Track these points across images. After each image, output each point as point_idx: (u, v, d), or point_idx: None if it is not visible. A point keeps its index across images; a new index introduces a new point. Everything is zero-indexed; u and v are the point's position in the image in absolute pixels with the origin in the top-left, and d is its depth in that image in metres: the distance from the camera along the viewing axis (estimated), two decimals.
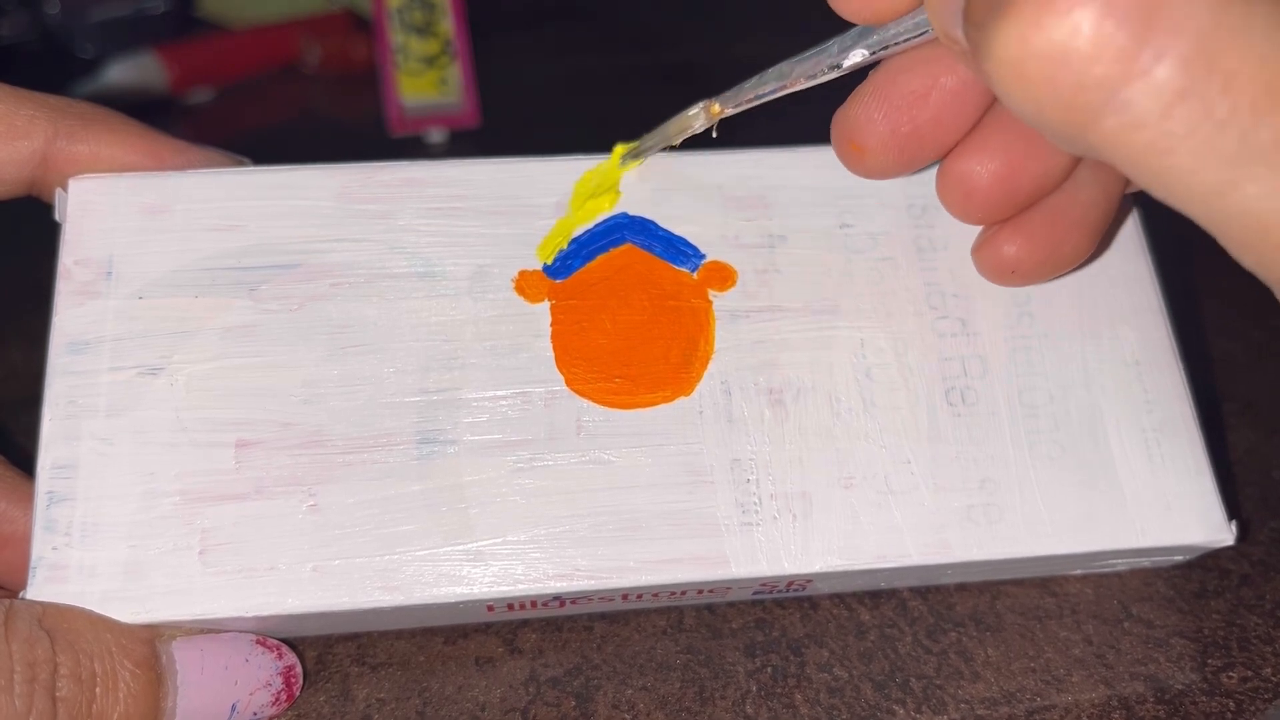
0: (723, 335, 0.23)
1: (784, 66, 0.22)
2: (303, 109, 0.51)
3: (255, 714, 0.21)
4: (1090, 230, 0.22)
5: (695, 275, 0.24)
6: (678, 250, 0.24)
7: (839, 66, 0.21)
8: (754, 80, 0.22)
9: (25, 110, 0.22)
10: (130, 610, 0.20)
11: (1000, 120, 0.21)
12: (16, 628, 0.18)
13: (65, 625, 0.19)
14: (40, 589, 0.20)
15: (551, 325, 0.23)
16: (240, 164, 0.24)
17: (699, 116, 0.23)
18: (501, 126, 0.46)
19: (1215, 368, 0.32)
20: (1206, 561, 0.26)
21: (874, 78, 0.22)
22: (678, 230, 0.24)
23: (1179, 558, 0.25)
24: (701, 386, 0.23)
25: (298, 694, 0.22)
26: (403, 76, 0.45)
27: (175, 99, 0.49)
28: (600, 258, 0.24)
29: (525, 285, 0.23)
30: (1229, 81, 0.13)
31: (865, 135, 0.22)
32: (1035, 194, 0.22)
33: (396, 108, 0.45)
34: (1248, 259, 0.15)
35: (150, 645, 0.20)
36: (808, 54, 0.21)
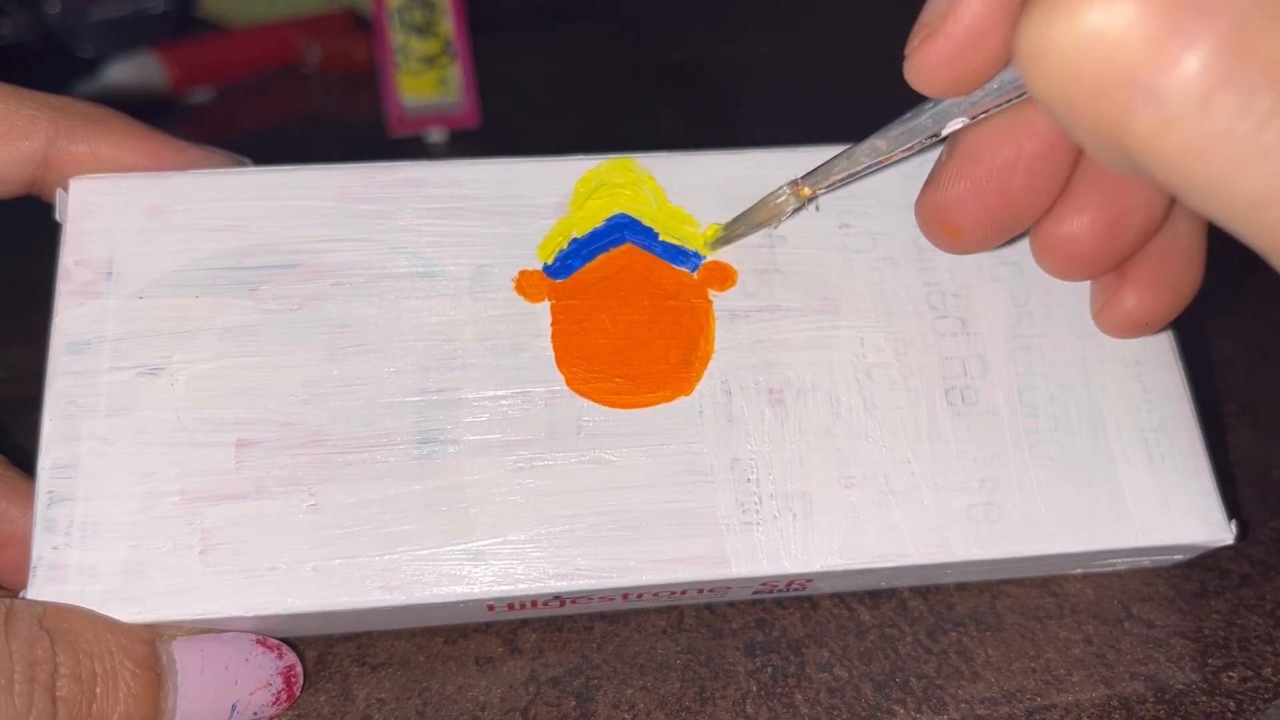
0: (723, 335, 0.23)
1: (877, 142, 0.20)
2: (303, 109, 0.51)
3: (255, 714, 0.21)
4: (1199, 261, 0.21)
5: (695, 275, 0.24)
6: (678, 250, 0.24)
7: (936, 135, 0.20)
8: (843, 159, 0.21)
9: (26, 110, 0.22)
10: (130, 610, 0.20)
11: (1091, 174, 0.21)
12: (16, 627, 0.18)
13: (65, 625, 0.19)
14: (40, 589, 0.20)
15: (552, 325, 0.23)
16: (240, 164, 0.24)
17: (789, 201, 0.23)
18: (501, 126, 0.46)
19: (1215, 368, 0.32)
20: (1206, 561, 0.26)
21: (954, 156, 0.21)
22: (677, 229, 0.24)
23: (1179, 557, 0.25)
24: (702, 386, 0.23)
25: (298, 694, 0.22)
26: (403, 76, 0.45)
27: (175, 99, 0.49)
28: (600, 257, 0.24)
29: (525, 285, 0.23)
30: (1272, 71, 0.12)
31: (959, 218, 0.21)
32: (1139, 242, 0.21)
33: (396, 108, 0.45)
34: None
35: (150, 645, 0.20)
36: (896, 125, 0.20)
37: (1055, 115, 0.14)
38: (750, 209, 0.23)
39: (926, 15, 0.18)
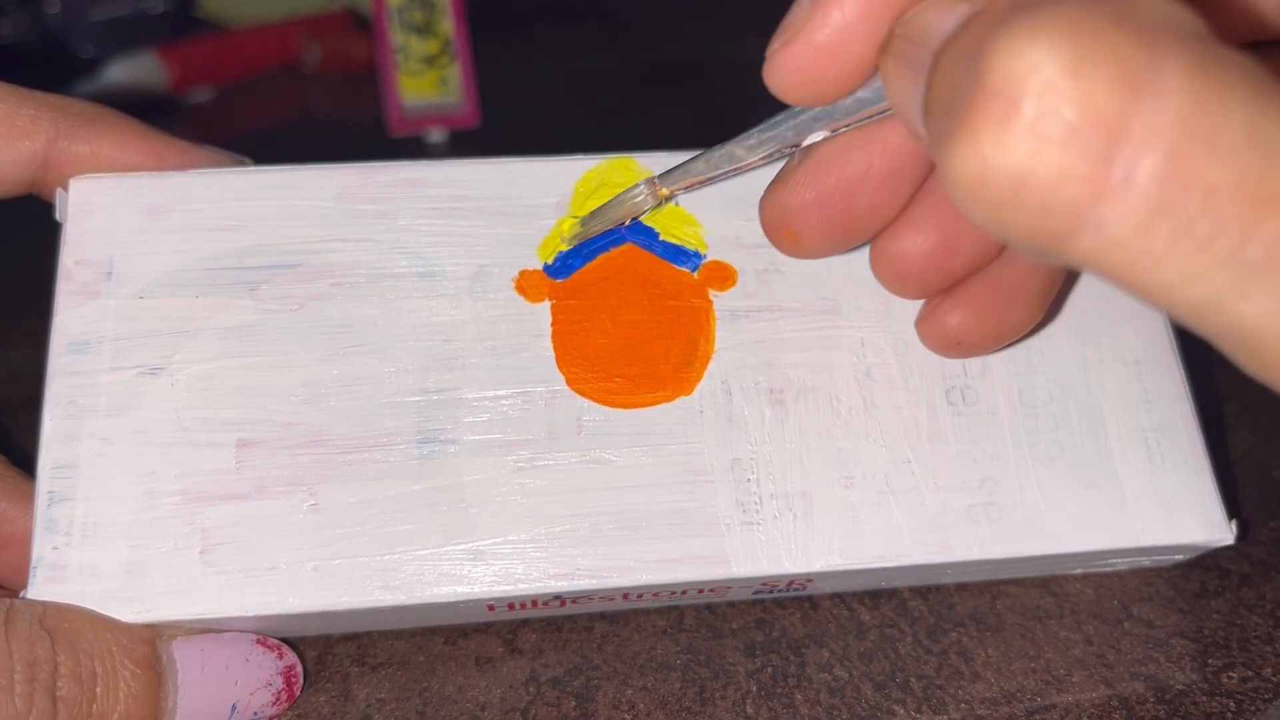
0: (723, 335, 0.23)
1: (735, 149, 0.20)
2: (303, 109, 0.51)
3: (255, 714, 0.21)
4: (1034, 297, 0.22)
5: (696, 275, 0.24)
6: (678, 250, 0.24)
7: (796, 145, 0.20)
8: (701, 163, 0.21)
9: (26, 110, 0.22)
10: (131, 610, 0.20)
11: (932, 195, 0.21)
12: (17, 627, 0.18)
13: (66, 625, 0.19)
14: (41, 589, 0.20)
15: (552, 325, 0.23)
16: (241, 164, 0.24)
17: (646, 200, 0.23)
18: (501, 126, 0.46)
19: (1215, 368, 0.32)
20: (1206, 561, 0.26)
21: (804, 164, 0.21)
22: (677, 230, 0.24)
23: (1179, 557, 0.25)
24: (702, 386, 0.23)
25: (298, 694, 0.22)
26: (403, 76, 0.45)
27: (175, 99, 0.49)
28: (600, 257, 0.24)
29: (525, 285, 0.23)
30: (1208, 197, 0.12)
31: (800, 224, 0.21)
32: (971, 267, 0.21)
33: (396, 108, 0.45)
34: (1249, 368, 0.14)
35: (151, 645, 0.20)
36: (756, 133, 0.20)
37: (986, 229, 0.14)
38: (607, 205, 0.23)
39: (790, 18, 0.18)
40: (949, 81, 0.14)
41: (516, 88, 0.50)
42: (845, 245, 0.22)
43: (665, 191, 0.22)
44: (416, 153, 0.45)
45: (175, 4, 0.53)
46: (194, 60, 0.50)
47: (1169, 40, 0.12)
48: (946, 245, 0.21)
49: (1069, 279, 0.24)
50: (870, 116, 0.19)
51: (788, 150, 0.20)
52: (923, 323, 0.23)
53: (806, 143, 0.20)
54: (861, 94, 0.18)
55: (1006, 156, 0.13)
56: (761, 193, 0.23)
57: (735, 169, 0.21)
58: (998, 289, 0.21)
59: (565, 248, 0.23)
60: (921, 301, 0.23)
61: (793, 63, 0.17)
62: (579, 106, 0.49)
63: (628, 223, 0.23)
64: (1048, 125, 0.12)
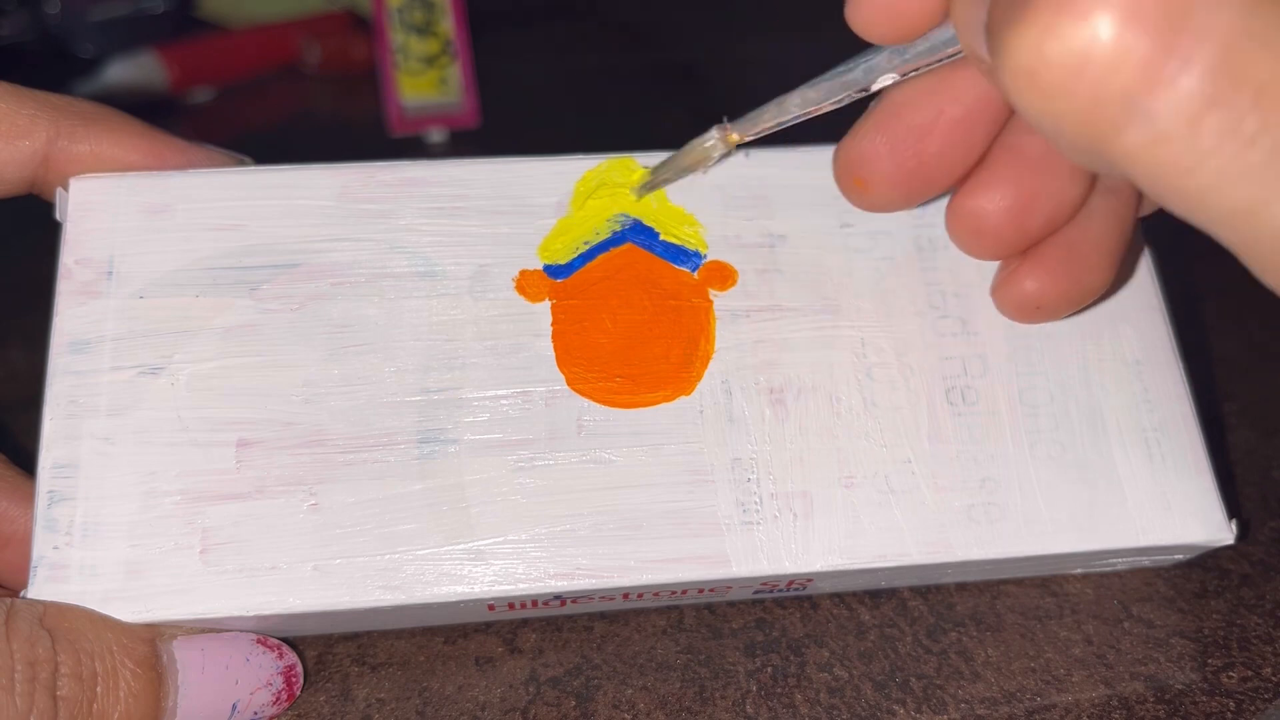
0: (723, 335, 0.23)
1: (807, 92, 0.20)
2: (303, 109, 0.51)
3: (256, 713, 0.21)
4: (1109, 260, 0.22)
5: (696, 275, 0.24)
6: (678, 250, 0.24)
7: (866, 90, 0.20)
8: (773, 106, 0.21)
9: (27, 109, 0.22)
10: (131, 609, 0.20)
11: (1008, 152, 0.21)
12: (17, 627, 0.18)
13: (66, 624, 0.19)
14: (41, 588, 0.20)
15: (552, 325, 0.23)
16: (241, 163, 0.24)
17: (717, 145, 0.22)
18: (501, 126, 0.46)
19: (1215, 368, 0.32)
20: (1206, 561, 0.26)
21: (876, 110, 0.21)
22: (678, 230, 0.24)
23: (1179, 557, 0.25)
24: (702, 386, 0.23)
25: (298, 694, 0.22)
26: (403, 76, 0.45)
27: (175, 99, 0.49)
28: (601, 257, 0.24)
29: (526, 284, 0.23)
30: (1260, 93, 0.12)
31: (870, 171, 0.21)
32: (1047, 228, 0.21)
33: (396, 108, 0.45)
34: (1273, 279, 0.14)
35: (151, 644, 0.20)
36: (829, 76, 0.20)
37: (1037, 124, 0.14)
38: (678, 153, 0.23)
39: None
40: None
41: (516, 88, 0.50)
42: (915, 197, 0.22)
43: (736, 137, 0.22)
44: (416, 153, 0.45)
45: (175, 4, 0.53)
46: (194, 60, 0.50)
47: None
48: (1024, 203, 0.21)
49: (1135, 243, 0.24)
50: (941, 60, 0.19)
51: (859, 94, 0.20)
52: (1000, 289, 0.23)
53: (877, 86, 0.20)
54: (935, 35, 0.18)
55: (1064, 40, 0.13)
56: (763, 191, 0.23)
57: (806, 113, 0.21)
58: (1075, 251, 0.21)
59: (592, 206, 0.23)
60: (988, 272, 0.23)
61: (874, 1, 0.18)
62: (579, 106, 0.49)
63: (703, 171, 0.23)
64: (1107, 11, 0.12)
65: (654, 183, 0.23)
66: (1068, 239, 0.21)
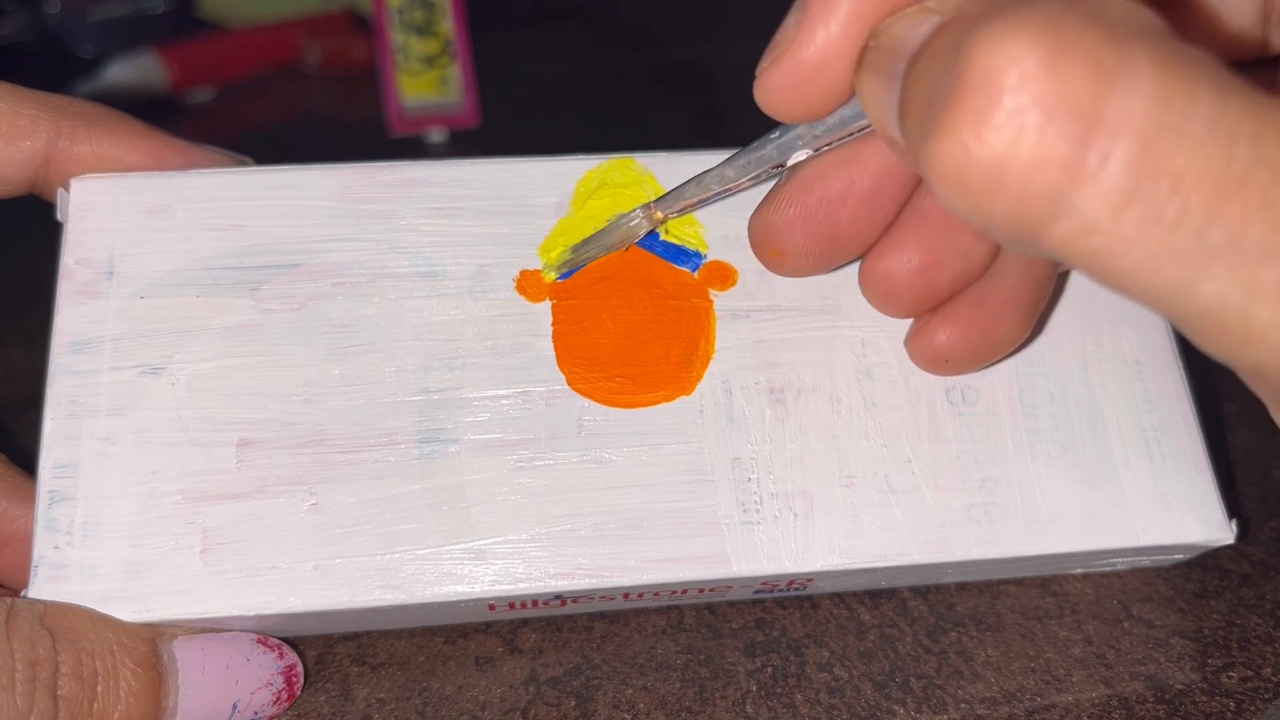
0: (724, 335, 0.23)
1: (724, 170, 0.21)
2: (303, 109, 0.51)
3: (256, 713, 0.21)
4: (1020, 313, 0.22)
5: (696, 275, 0.24)
6: (678, 250, 0.24)
7: (782, 165, 0.20)
8: (693, 185, 0.22)
9: (28, 110, 0.22)
10: (132, 609, 0.20)
11: (916, 215, 0.21)
12: (18, 626, 0.18)
13: (67, 624, 0.19)
14: (42, 588, 0.20)
15: (552, 324, 0.23)
16: (241, 164, 0.24)
17: (641, 224, 0.23)
18: (501, 126, 0.46)
19: (1215, 368, 0.32)
20: (1206, 561, 0.26)
21: (789, 183, 0.21)
22: (678, 230, 0.24)
23: (1179, 557, 0.25)
24: (702, 386, 0.23)
25: (298, 693, 0.22)
26: (403, 76, 0.45)
27: (175, 99, 0.49)
28: (601, 257, 0.24)
29: (526, 285, 0.23)
30: (1176, 181, 0.13)
31: (785, 242, 0.22)
32: (957, 284, 0.22)
33: (396, 108, 0.45)
34: (1212, 350, 0.15)
35: (151, 644, 0.20)
36: (744, 154, 0.21)
37: (965, 219, 0.14)
38: (601, 231, 0.23)
39: (778, 38, 0.18)
40: (925, 84, 0.15)
41: (516, 88, 0.50)
42: (830, 263, 0.22)
43: (659, 215, 0.23)
44: (416, 153, 0.45)
45: (175, 4, 0.53)
46: (194, 60, 0.50)
47: (1137, 37, 0.13)
48: (932, 263, 0.21)
49: (1053, 297, 0.24)
50: (851, 134, 0.19)
51: (774, 170, 0.21)
52: (911, 341, 0.23)
53: (791, 161, 0.20)
54: (844, 112, 0.19)
55: (987, 146, 0.13)
56: (763, 192, 0.23)
57: (725, 190, 0.22)
58: (984, 306, 0.22)
59: (553, 276, 0.23)
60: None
61: (782, 80, 0.18)
62: (579, 106, 0.49)
63: (625, 249, 0.23)
64: (1026, 115, 0.13)
65: (577, 260, 0.23)
66: (978, 294, 0.22)
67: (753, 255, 0.24)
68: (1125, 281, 0.14)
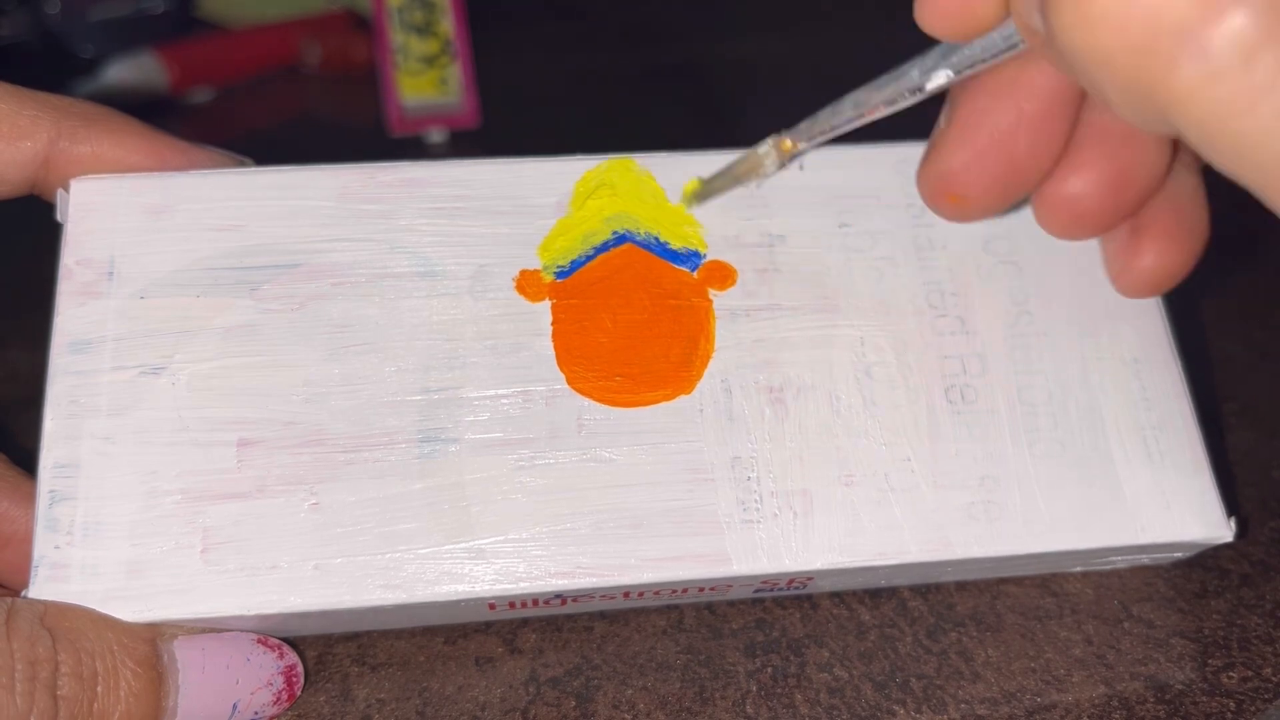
0: (723, 334, 0.23)
1: (860, 94, 0.20)
2: (303, 109, 0.51)
3: (256, 713, 0.21)
4: (1206, 208, 0.21)
5: (696, 274, 0.24)
6: (678, 250, 0.24)
7: (921, 90, 0.20)
8: (827, 111, 0.21)
9: (28, 110, 0.22)
10: (132, 609, 0.20)
11: (1093, 131, 0.21)
12: (18, 626, 0.18)
13: (67, 624, 0.19)
14: (42, 588, 0.20)
15: (552, 324, 0.23)
16: (242, 164, 0.24)
17: (770, 154, 0.22)
18: (501, 126, 0.46)
19: (1215, 368, 0.32)
20: (1206, 561, 0.26)
21: (954, 123, 0.21)
22: (677, 230, 0.24)
23: (1178, 555, 0.25)
24: (702, 385, 0.23)
25: (299, 693, 0.22)
26: (403, 76, 0.45)
27: (175, 99, 0.49)
28: (601, 257, 0.24)
29: (526, 284, 0.23)
30: None
31: (964, 185, 0.21)
32: (1143, 197, 0.21)
33: (396, 108, 0.45)
34: None
35: (152, 644, 0.20)
36: (885, 79, 0.20)
37: (1085, 66, 0.14)
38: (732, 163, 0.23)
39: None
40: None
41: (516, 88, 0.50)
42: (1012, 198, 0.22)
43: (790, 145, 0.22)
44: (416, 153, 0.45)
45: (175, 4, 0.53)
46: (194, 60, 0.50)
47: None
48: (1118, 178, 0.21)
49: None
50: (993, 56, 0.19)
51: (913, 94, 0.20)
52: (1124, 274, 0.22)
53: (931, 86, 0.20)
54: (991, 35, 0.18)
55: None
56: (762, 191, 0.23)
57: (860, 115, 0.21)
58: (1179, 211, 0.21)
59: (688, 208, 0.23)
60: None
61: None
62: (579, 106, 0.49)
63: (757, 183, 0.23)
64: None
65: (707, 192, 0.23)
66: (1170, 204, 0.21)
67: (752, 255, 0.24)
68: (1244, 147, 0.13)
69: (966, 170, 0.21)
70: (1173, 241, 0.22)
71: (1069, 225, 0.22)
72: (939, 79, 0.19)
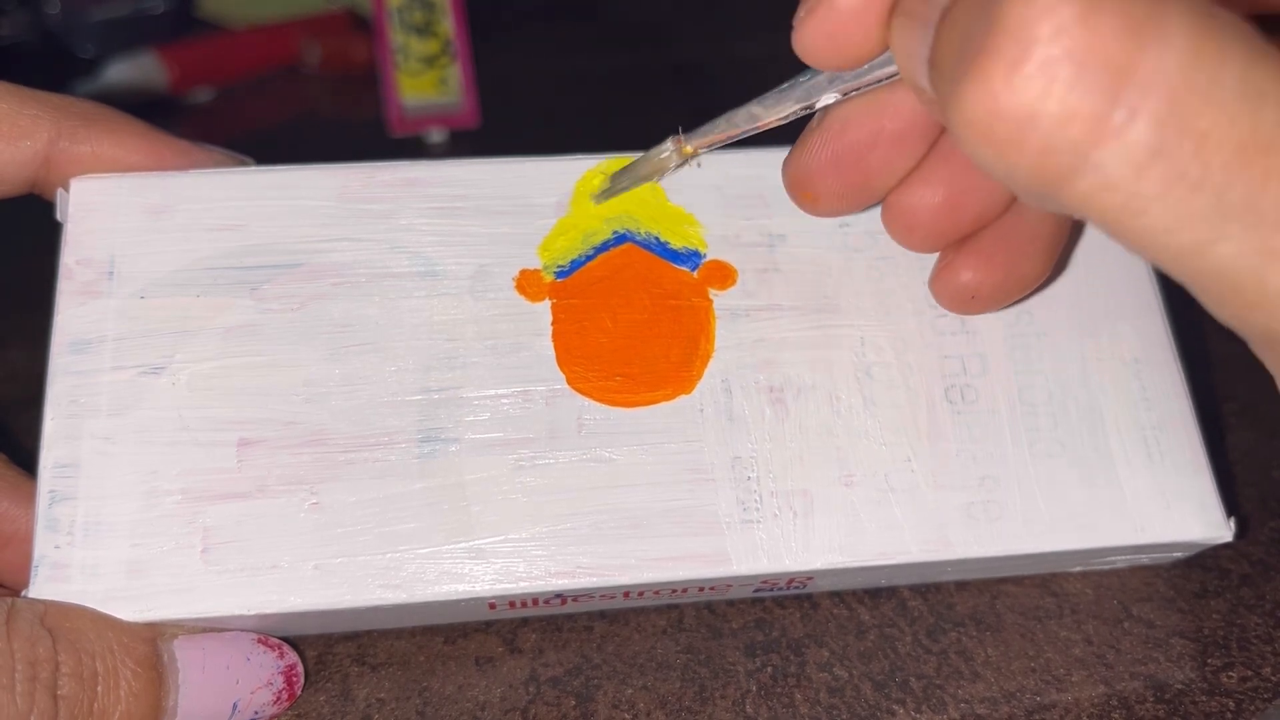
0: (723, 334, 0.23)
1: (754, 108, 0.22)
2: (303, 109, 0.51)
3: (256, 713, 0.21)
4: (1044, 249, 0.22)
5: (696, 274, 0.24)
6: (678, 249, 0.24)
7: (810, 107, 0.21)
8: (724, 121, 0.22)
9: (29, 110, 0.22)
10: (132, 609, 0.20)
11: (942, 154, 0.22)
12: (18, 626, 0.18)
13: (67, 624, 0.19)
14: (42, 588, 0.20)
15: (552, 324, 0.23)
16: (242, 164, 0.24)
17: (672, 156, 0.23)
18: (501, 126, 0.46)
19: (1215, 368, 0.32)
20: (1206, 561, 0.26)
21: (820, 128, 0.22)
22: (677, 230, 0.24)
23: (1178, 555, 0.25)
24: (702, 385, 0.23)
25: (299, 693, 0.22)
26: (403, 76, 0.45)
27: (175, 99, 0.49)
28: (601, 256, 0.24)
29: (526, 284, 0.23)
30: (1201, 142, 0.13)
31: (818, 184, 0.22)
32: (979, 221, 0.22)
33: (396, 108, 0.45)
34: (1222, 314, 0.15)
35: (152, 644, 0.20)
36: (774, 94, 0.21)
37: (988, 171, 0.15)
38: (635, 162, 0.24)
39: None
40: (958, 31, 0.15)
41: (516, 88, 0.50)
42: (861, 203, 0.23)
43: (689, 149, 0.23)
44: (416, 153, 0.45)
45: (175, 4, 0.53)
46: (194, 60, 0.50)
47: None
48: (955, 199, 0.22)
49: (1073, 235, 0.25)
50: (877, 81, 0.20)
51: (802, 111, 0.21)
52: (936, 280, 0.23)
53: (819, 104, 0.21)
54: (874, 62, 0.19)
55: (1016, 95, 0.13)
56: (762, 191, 0.23)
57: (753, 127, 0.22)
58: (1008, 242, 0.22)
59: (592, 205, 0.24)
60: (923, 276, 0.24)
61: (818, 29, 0.18)
62: (579, 106, 0.49)
63: (656, 180, 0.24)
64: (1058, 67, 0.13)
65: (612, 190, 0.24)
66: (1002, 231, 0.22)
67: (752, 255, 0.24)
68: (1143, 240, 0.14)
69: (822, 173, 0.22)
70: (991, 266, 0.22)
71: (904, 234, 0.23)
72: (827, 99, 0.21)
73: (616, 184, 0.24)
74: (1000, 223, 0.22)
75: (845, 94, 0.20)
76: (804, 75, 0.21)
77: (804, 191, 0.23)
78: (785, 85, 0.21)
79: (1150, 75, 0.13)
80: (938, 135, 0.21)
